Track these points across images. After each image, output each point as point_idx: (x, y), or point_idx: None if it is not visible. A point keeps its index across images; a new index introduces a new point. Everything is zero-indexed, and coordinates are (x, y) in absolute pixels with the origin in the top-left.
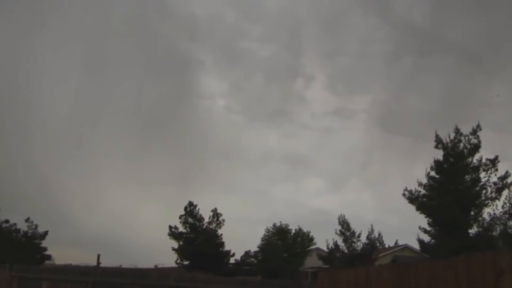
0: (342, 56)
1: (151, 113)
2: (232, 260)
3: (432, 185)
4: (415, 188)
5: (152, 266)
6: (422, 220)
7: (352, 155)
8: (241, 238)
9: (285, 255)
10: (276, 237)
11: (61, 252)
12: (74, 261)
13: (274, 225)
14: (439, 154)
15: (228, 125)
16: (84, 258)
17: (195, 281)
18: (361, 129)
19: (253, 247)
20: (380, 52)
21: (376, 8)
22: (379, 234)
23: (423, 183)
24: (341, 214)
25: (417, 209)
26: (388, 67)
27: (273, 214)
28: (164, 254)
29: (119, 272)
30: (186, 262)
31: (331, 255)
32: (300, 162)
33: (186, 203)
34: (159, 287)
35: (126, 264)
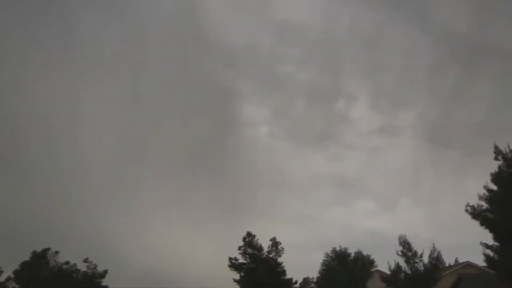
0: (383, 73)
1: (196, 147)
2: None
3: (491, 198)
4: (477, 203)
5: None
6: (480, 236)
7: (402, 173)
8: (296, 265)
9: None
10: (336, 262)
11: None
12: None
13: (334, 249)
14: (494, 166)
15: (274, 152)
16: None
17: None
18: (408, 145)
19: (309, 274)
20: (422, 64)
21: (415, 20)
22: (438, 253)
23: (484, 196)
24: (401, 235)
25: (481, 224)
26: (432, 80)
27: (326, 238)
28: (225, 285)
29: None
30: None
31: (394, 277)
32: (349, 184)
33: (238, 235)
34: None
35: None
